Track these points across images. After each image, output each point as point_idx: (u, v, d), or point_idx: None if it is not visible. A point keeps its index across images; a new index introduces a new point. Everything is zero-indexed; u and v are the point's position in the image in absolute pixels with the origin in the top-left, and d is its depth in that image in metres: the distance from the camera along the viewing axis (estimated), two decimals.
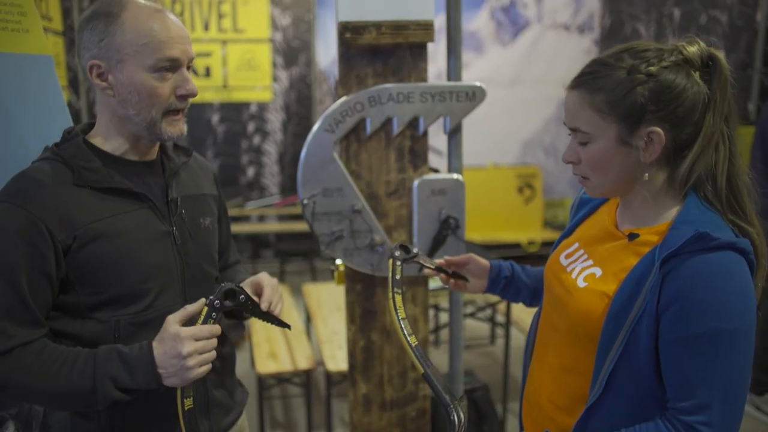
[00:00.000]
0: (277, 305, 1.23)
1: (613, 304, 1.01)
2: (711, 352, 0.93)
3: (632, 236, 1.06)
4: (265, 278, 1.27)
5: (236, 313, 1.34)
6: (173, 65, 1.14)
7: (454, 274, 1.44)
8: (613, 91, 0.99)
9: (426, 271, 1.43)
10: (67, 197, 1.11)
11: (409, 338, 1.16)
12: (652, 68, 0.98)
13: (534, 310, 1.37)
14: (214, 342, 1.09)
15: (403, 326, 1.19)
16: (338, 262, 1.78)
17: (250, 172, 6.01)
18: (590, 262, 1.12)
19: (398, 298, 1.24)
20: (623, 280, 1.01)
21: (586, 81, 1.03)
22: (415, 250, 1.35)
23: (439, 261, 1.43)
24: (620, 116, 0.99)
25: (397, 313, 1.21)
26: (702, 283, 0.93)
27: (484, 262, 1.42)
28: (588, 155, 1.04)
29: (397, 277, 1.28)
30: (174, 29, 1.14)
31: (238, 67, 5.77)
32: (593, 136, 1.02)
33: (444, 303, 3.63)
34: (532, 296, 1.42)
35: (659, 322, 0.96)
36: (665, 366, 0.97)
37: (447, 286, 1.47)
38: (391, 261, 1.31)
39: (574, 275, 1.12)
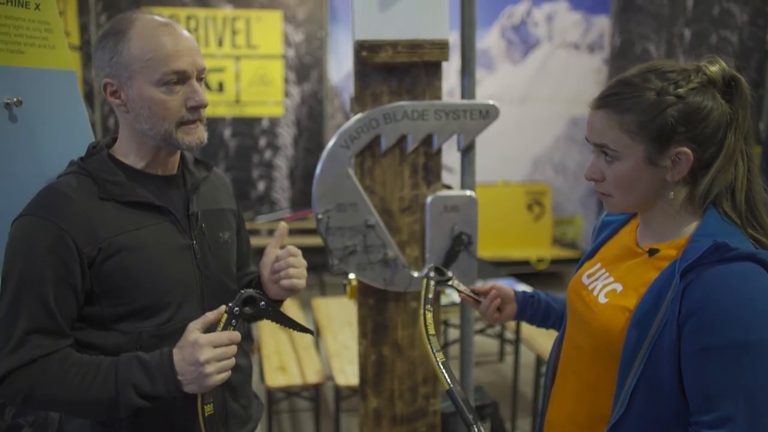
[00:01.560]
0: (299, 277, 1.27)
1: (634, 316, 1.02)
2: (733, 363, 0.93)
3: (652, 252, 1.08)
4: (290, 248, 1.30)
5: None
6: (181, 78, 1.15)
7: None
8: (644, 112, 1.00)
9: (460, 296, 1.46)
10: (92, 211, 1.13)
11: (436, 354, 1.20)
12: (680, 90, 0.99)
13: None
14: (233, 349, 1.10)
15: (431, 342, 1.22)
16: (351, 276, 1.80)
17: (261, 186, 6.05)
18: (611, 279, 1.12)
19: (429, 315, 1.29)
20: (644, 294, 1.02)
21: (612, 101, 1.04)
22: (449, 274, 1.41)
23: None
24: (650, 137, 1.01)
25: (426, 329, 1.26)
26: (722, 293, 0.93)
27: (508, 289, 1.45)
28: (614, 174, 1.05)
29: (430, 296, 1.34)
30: (181, 42, 1.15)
31: (250, 82, 5.83)
32: (621, 155, 1.03)
33: (453, 319, 3.63)
34: (562, 321, 1.39)
35: (681, 334, 0.96)
36: (687, 378, 0.97)
37: (458, 303, 1.49)
38: (425, 281, 1.37)
39: (595, 292, 1.13)
